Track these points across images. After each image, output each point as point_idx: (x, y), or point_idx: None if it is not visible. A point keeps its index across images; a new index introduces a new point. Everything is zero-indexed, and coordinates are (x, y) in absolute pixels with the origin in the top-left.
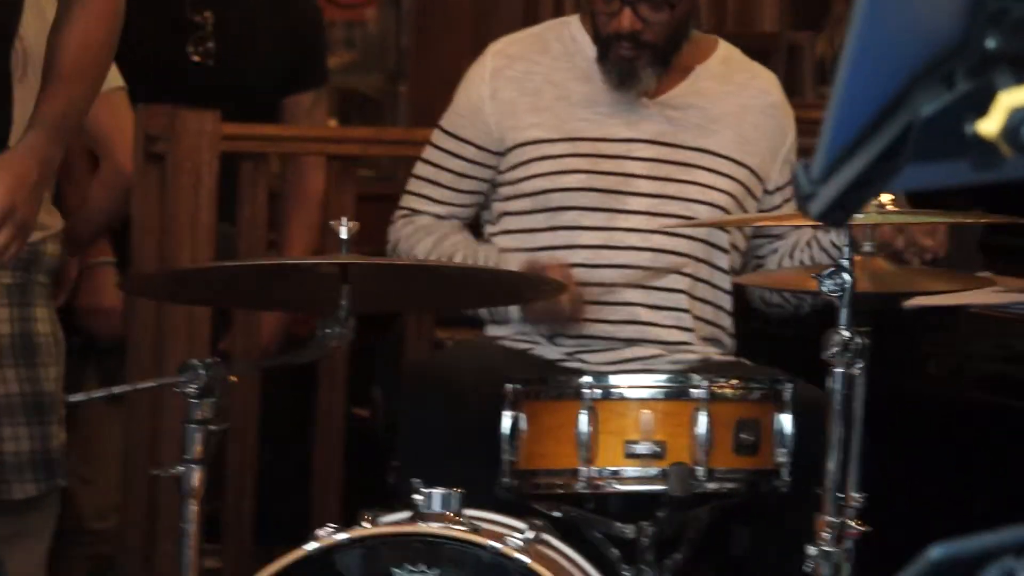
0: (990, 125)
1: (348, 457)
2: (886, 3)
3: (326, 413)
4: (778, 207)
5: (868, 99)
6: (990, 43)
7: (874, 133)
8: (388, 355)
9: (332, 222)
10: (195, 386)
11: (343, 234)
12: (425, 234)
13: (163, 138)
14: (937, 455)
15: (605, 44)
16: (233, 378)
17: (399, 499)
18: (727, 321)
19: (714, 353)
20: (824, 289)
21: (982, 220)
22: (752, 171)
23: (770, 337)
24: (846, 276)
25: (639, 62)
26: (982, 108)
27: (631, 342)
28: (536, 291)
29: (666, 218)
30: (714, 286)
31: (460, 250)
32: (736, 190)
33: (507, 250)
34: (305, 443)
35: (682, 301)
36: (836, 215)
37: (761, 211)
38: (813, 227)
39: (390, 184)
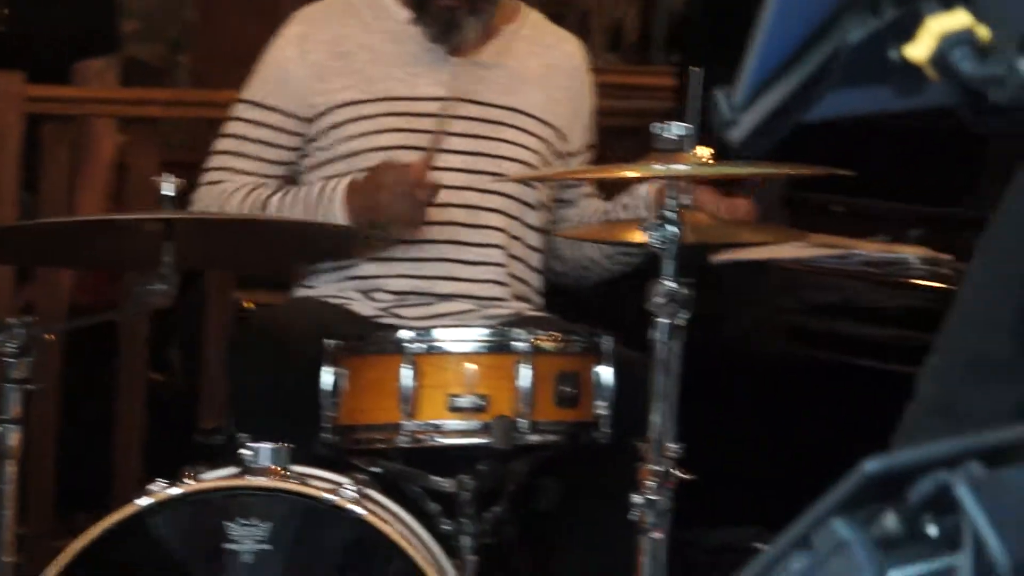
0: (919, 50)
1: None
2: None
3: (127, 376)
4: None
5: (795, 26)
6: None
7: (800, 59)
8: (188, 318)
9: (154, 178)
10: (13, 345)
11: (167, 190)
12: (231, 194)
13: None
14: (748, 406)
15: None
16: (50, 336)
17: (221, 456)
18: (537, 279)
19: (526, 308)
20: (650, 240)
21: (794, 171)
22: (557, 131)
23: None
24: (672, 227)
25: (460, 12)
26: (907, 34)
27: (445, 297)
28: (364, 246)
29: (479, 175)
30: (526, 244)
31: (288, 208)
32: (543, 148)
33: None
34: (105, 406)
35: (497, 256)
36: (757, 142)
37: None
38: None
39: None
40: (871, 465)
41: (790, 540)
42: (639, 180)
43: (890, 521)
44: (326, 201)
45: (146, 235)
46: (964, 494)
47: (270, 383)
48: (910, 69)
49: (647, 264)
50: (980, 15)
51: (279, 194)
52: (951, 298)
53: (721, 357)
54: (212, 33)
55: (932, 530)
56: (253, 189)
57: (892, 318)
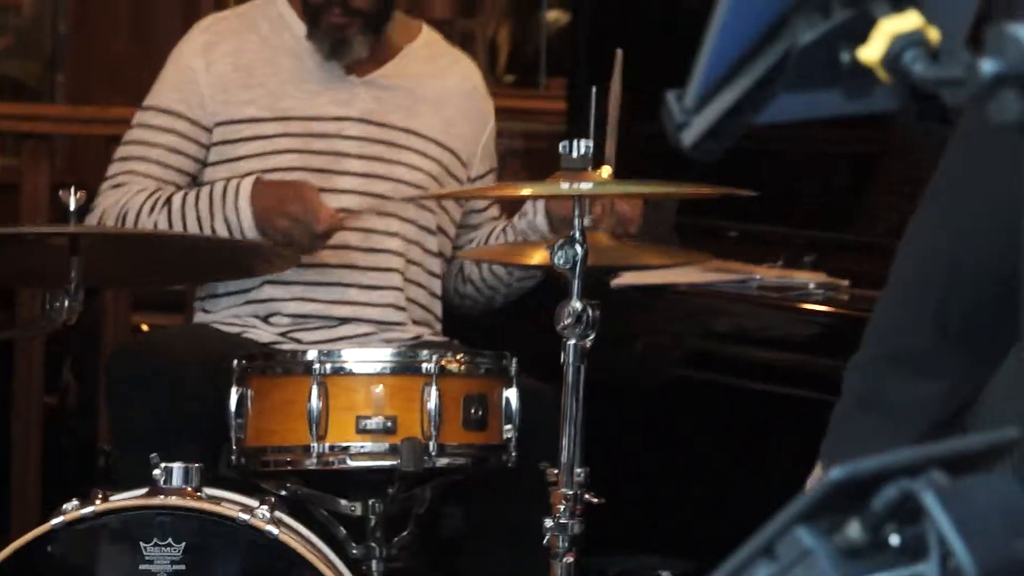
0: (871, 52)
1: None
2: None
3: (24, 399)
4: None
5: (745, 27)
6: None
7: (751, 61)
8: (82, 340)
9: (61, 192)
10: None
11: (72, 205)
12: (146, 197)
13: None
14: (646, 431)
15: (315, 13)
16: None
17: (115, 481)
18: (437, 305)
19: (426, 333)
20: (556, 260)
21: (693, 191)
22: (455, 154)
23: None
24: (578, 248)
25: (351, 30)
26: (858, 36)
27: (344, 320)
28: (273, 262)
29: (375, 197)
30: (425, 269)
31: (192, 204)
32: (438, 171)
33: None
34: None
35: (395, 280)
36: (708, 145)
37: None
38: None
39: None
40: (836, 473)
41: (754, 548)
42: (542, 199)
43: (854, 530)
44: (231, 195)
45: (49, 250)
46: (930, 501)
47: (159, 408)
48: (861, 71)
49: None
50: (929, 16)
51: (182, 191)
52: (848, 323)
53: (619, 382)
54: (85, 48)
55: (894, 539)
56: (156, 190)
57: (790, 342)
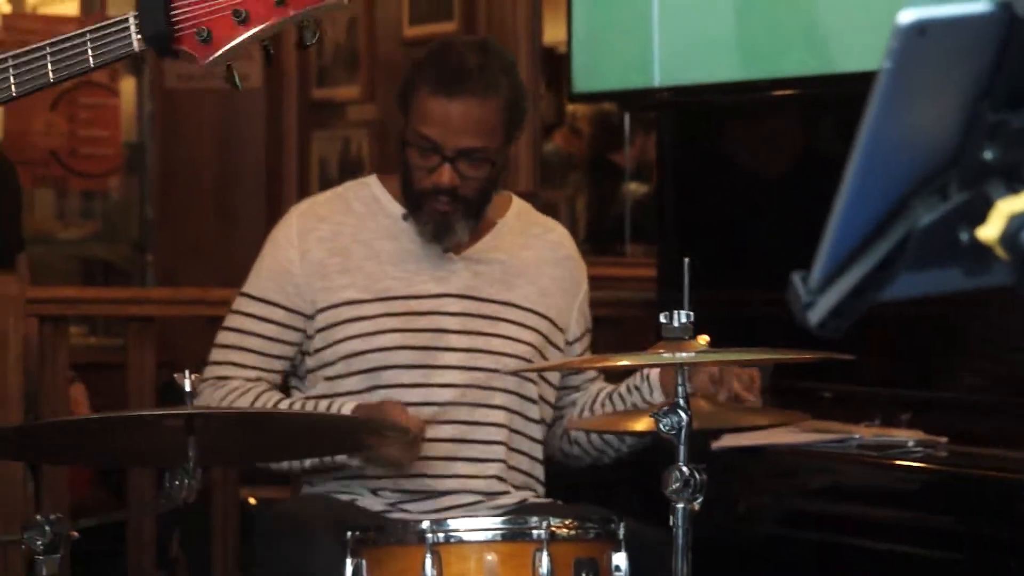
0: (989, 231)
1: None
2: (892, 119)
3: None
4: (579, 356)
5: (868, 211)
6: (987, 155)
7: (873, 243)
8: (190, 515)
9: (176, 375)
10: (41, 542)
11: (187, 386)
12: (239, 395)
13: None
14: None
15: (418, 198)
16: (75, 533)
17: None
18: (539, 470)
19: (530, 496)
20: (661, 427)
21: (794, 356)
22: (552, 322)
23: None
24: (682, 414)
25: (454, 216)
26: (976, 217)
27: (449, 492)
28: (380, 436)
29: (477, 372)
30: (527, 437)
31: (286, 404)
32: (538, 341)
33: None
34: None
35: (499, 452)
36: (833, 323)
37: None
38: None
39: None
40: None
41: None
42: (645, 367)
43: None
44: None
45: (162, 431)
46: None
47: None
48: (980, 250)
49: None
50: None
51: (285, 403)
52: (948, 479)
53: (722, 540)
54: (171, 229)
55: None
56: (259, 394)
57: (891, 500)
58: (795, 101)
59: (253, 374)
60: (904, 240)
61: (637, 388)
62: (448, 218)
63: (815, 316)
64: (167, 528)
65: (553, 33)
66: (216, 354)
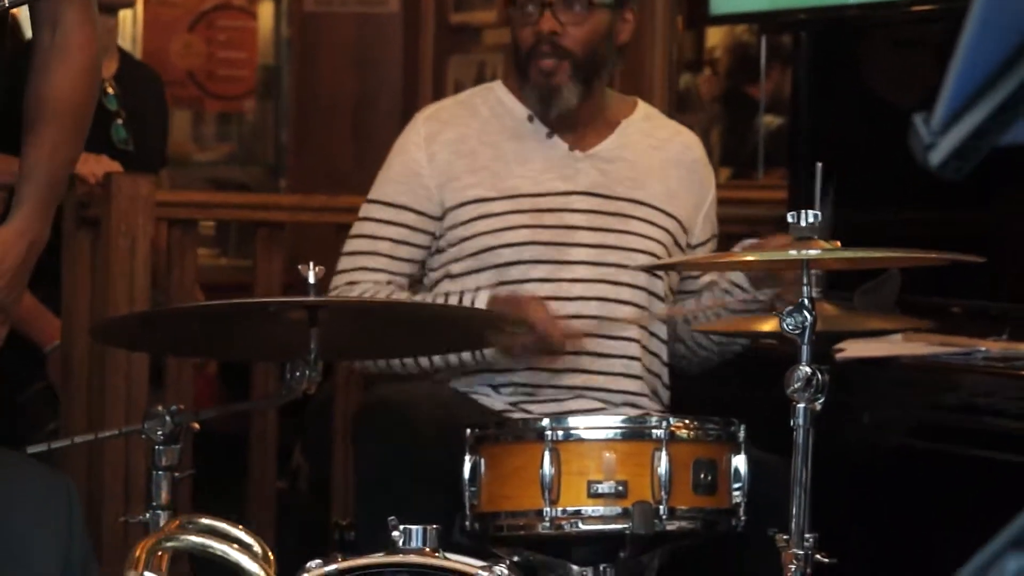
0: None
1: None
2: None
3: (258, 479)
4: None
5: (991, 50)
6: None
7: (995, 83)
8: (314, 422)
9: (300, 266)
10: (161, 432)
11: (311, 278)
12: (370, 296)
13: (95, 203)
14: (873, 500)
15: (525, 63)
16: (196, 425)
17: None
18: (667, 373)
19: (655, 408)
20: (785, 327)
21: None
22: (680, 222)
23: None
24: (807, 314)
25: (561, 75)
26: None
27: (576, 391)
28: (503, 329)
29: (607, 267)
30: (657, 336)
31: (421, 298)
32: (666, 239)
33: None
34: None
35: (633, 349)
36: (955, 165)
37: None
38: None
39: None
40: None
41: (1005, 541)
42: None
43: None
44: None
45: (286, 324)
46: None
47: (398, 468)
48: None
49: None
50: None
51: (417, 298)
52: None
53: (846, 453)
54: (308, 156)
55: None
56: (389, 294)
57: (1018, 411)
58: (933, 18)
59: (384, 277)
60: None
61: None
62: (554, 78)
63: (937, 156)
64: (289, 438)
65: None
66: (344, 262)
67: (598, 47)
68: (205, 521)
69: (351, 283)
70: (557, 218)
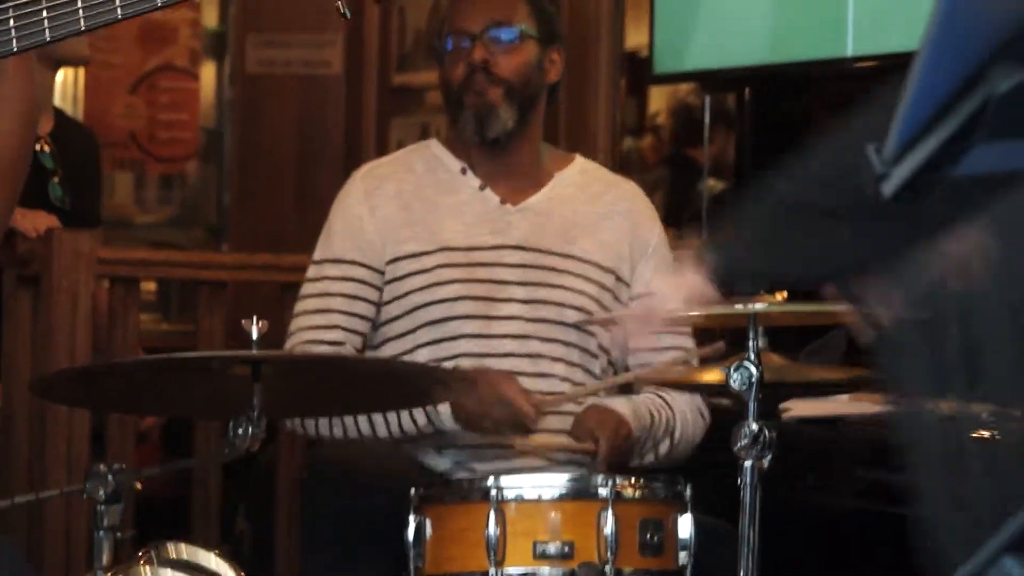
0: None
1: None
2: None
3: (201, 542)
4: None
5: (945, 78)
6: None
7: (949, 112)
8: (256, 485)
9: (244, 321)
10: (103, 492)
11: (254, 333)
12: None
13: (36, 259)
14: (821, 561)
15: (458, 96)
16: (138, 484)
17: None
18: None
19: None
20: (731, 383)
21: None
22: (616, 275)
23: None
24: (752, 368)
25: (495, 97)
26: None
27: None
28: (453, 388)
29: (539, 323)
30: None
31: (396, 425)
32: (600, 294)
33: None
34: None
35: (572, 405)
36: (907, 196)
37: None
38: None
39: None
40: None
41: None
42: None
43: None
44: (434, 420)
45: (229, 380)
46: None
47: (344, 528)
48: None
49: None
50: None
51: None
52: None
53: (793, 515)
54: (249, 218)
55: None
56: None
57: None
58: (877, 74)
59: (339, 336)
60: (981, 108)
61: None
62: (487, 99)
63: (889, 187)
64: (232, 503)
65: (635, 38)
66: (296, 323)
67: (530, 77)
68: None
69: (307, 342)
70: (489, 272)
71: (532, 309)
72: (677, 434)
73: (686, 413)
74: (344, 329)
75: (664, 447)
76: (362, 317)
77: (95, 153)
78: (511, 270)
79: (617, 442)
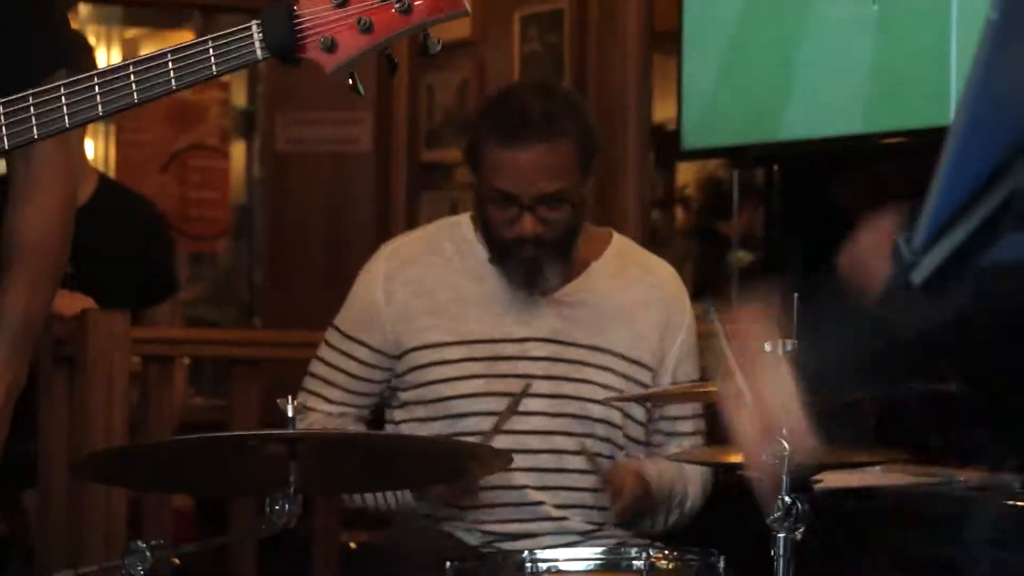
0: None
1: None
2: (997, 74)
3: None
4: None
5: (973, 170)
6: None
7: (977, 202)
8: (291, 562)
9: (279, 400)
10: (142, 567)
11: (289, 411)
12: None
13: (71, 340)
14: None
15: (505, 249)
16: (176, 560)
17: None
18: None
19: (628, 535)
20: (763, 456)
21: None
22: (647, 367)
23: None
24: (784, 443)
25: (543, 260)
26: None
27: (546, 534)
28: (488, 465)
29: (563, 418)
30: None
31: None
32: (629, 387)
33: None
34: None
35: (587, 499)
36: (937, 284)
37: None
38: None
39: None
40: None
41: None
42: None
43: None
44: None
45: (266, 457)
46: None
47: None
48: None
49: None
50: None
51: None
52: None
53: None
54: (280, 295)
55: None
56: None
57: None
58: (906, 151)
59: (337, 409)
60: (1008, 199)
61: None
62: (537, 262)
63: (919, 276)
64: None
65: (663, 111)
66: (306, 382)
67: (577, 220)
68: None
69: (306, 407)
70: (512, 366)
71: (556, 404)
72: (688, 505)
73: (697, 487)
74: (345, 404)
75: (674, 516)
76: (365, 395)
77: (161, 221)
78: (536, 363)
79: (637, 498)
